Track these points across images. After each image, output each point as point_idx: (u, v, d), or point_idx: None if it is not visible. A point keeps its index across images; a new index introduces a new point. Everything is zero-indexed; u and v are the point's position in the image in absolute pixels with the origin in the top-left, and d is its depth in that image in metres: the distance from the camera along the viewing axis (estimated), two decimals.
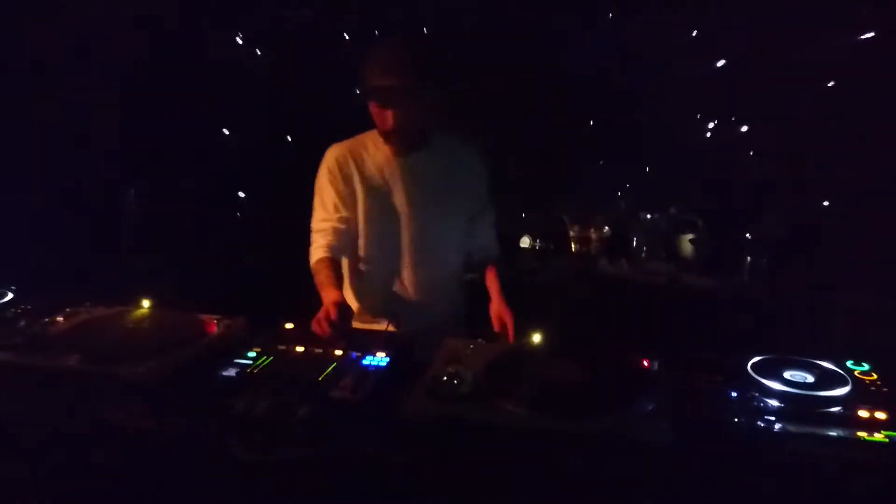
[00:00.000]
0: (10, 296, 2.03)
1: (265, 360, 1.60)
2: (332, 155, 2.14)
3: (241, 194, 3.85)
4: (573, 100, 3.72)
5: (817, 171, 3.25)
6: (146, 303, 1.95)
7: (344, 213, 2.10)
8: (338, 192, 2.11)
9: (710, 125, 3.71)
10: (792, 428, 1.24)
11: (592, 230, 3.58)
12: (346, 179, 2.11)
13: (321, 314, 1.78)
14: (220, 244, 3.54)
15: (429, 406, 1.35)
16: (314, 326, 1.78)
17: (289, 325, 1.82)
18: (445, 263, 2.21)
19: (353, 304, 2.18)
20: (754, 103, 3.44)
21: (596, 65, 3.58)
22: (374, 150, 2.13)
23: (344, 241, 2.12)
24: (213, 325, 1.80)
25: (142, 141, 3.59)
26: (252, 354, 1.63)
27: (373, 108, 1.98)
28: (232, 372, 1.54)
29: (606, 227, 3.60)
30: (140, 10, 3.36)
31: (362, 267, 2.18)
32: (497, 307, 2.06)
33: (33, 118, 3.20)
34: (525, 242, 3.69)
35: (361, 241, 2.15)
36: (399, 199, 2.11)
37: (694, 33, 3.58)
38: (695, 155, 3.64)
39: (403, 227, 2.12)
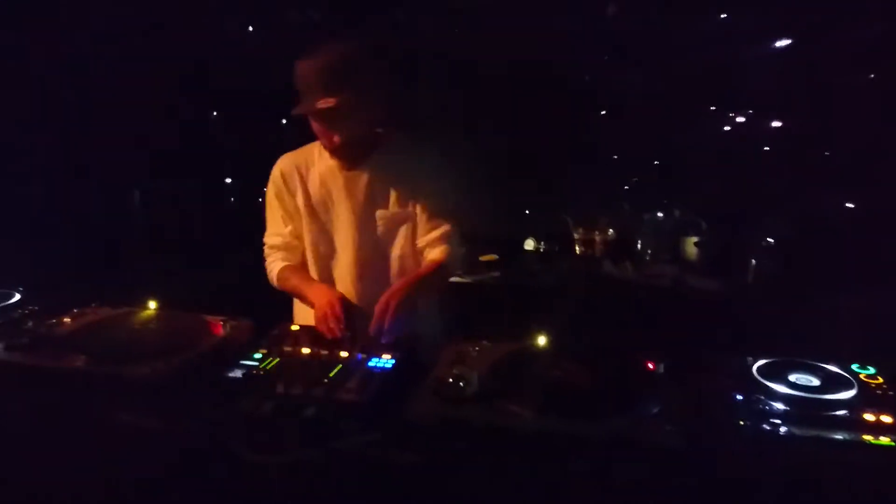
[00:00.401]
0: (17, 296, 2.04)
1: (271, 362, 1.60)
2: (278, 168, 2.10)
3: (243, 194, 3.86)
4: (576, 100, 3.72)
5: (823, 171, 3.24)
6: (152, 304, 1.96)
7: (292, 227, 2.11)
8: (283, 206, 2.10)
9: (715, 126, 3.71)
10: (797, 431, 1.24)
11: (596, 232, 3.58)
12: (291, 193, 2.08)
13: (323, 312, 1.80)
14: (225, 245, 3.54)
15: (434, 408, 1.35)
16: (320, 326, 1.79)
17: (294, 327, 1.83)
18: (392, 279, 2.05)
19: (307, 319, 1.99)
20: (759, 104, 3.43)
21: (598, 65, 3.58)
22: (320, 161, 2.04)
23: (298, 255, 2.13)
24: (220, 327, 1.81)
25: (148, 142, 3.61)
26: (258, 356, 1.63)
27: (312, 122, 1.89)
28: (238, 373, 1.55)
29: (610, 230, 3.60)
30: (146, 11, 3.37)
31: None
32: (394, 289, 1.82)
33: (39, 120, 3.22)
34: (529, 245, 3.69)
35: (308, 255, 2.11)
36: (342, 213, 2.03)
37: (697, 32, 3.58)
38: (699, 156, 3.63)
39: (346, 242, 2.04)
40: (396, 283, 1.90)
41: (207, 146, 3.85)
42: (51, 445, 1.42)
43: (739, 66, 3.37)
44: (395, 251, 2.05)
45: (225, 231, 3.77)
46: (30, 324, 1.82)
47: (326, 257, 2.09)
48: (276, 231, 2.13)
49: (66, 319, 1.86)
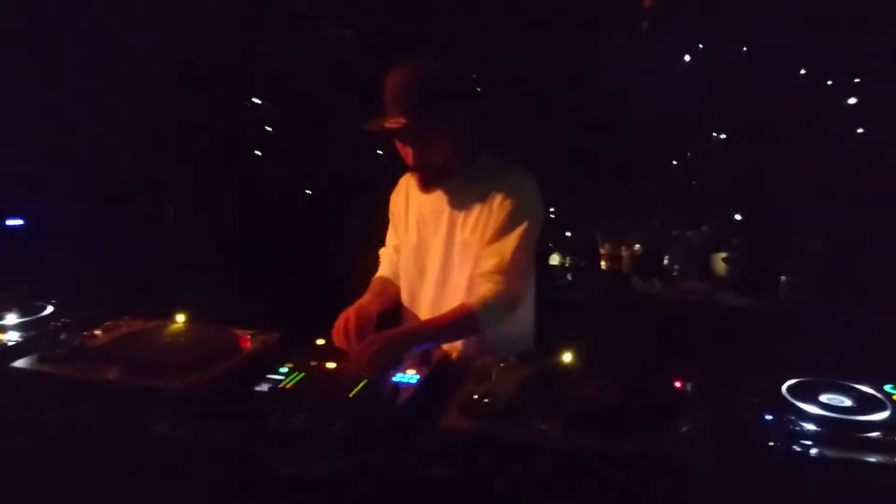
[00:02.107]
0: (50, 309, 2.08)
1: (297, 376, 1.61)
2: (398, 185, 2.17)
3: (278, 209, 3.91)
4: (606, 117, 3.71)
5: (856, 186, 3.19)
6: (182, 317, 1.99)
7: (396, 241, 2.17)
8: (394, 220, 2.17)
9: (744, 142, 3.67)
10: (829, 453, 1.21)
11: (624, 248, 3.56)
12: (399, 210, 2.13)
13: (339, 322, 1.82)
14: (256, 258, 3.59)
15: (462, 424, 1.35)
16: (333, 336, 1.82)
17: (320, 342, 1.84)
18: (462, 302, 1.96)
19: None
20: (791, 119, 3.40)
21: (628, 83, 3.57)
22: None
23: (396, 268, 2.18)
24: (248, 340, 1.83)
25: (181, 155, 3.67)
26: (284, 370, 1.65)
27: (395, 142, 1.89)
28: (265, 387, 1.56)
29: (638, 245, 3.57)
30: (186, 19, 3.43)
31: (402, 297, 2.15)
32: (385, 334, 1.71)
33: (73, 133, 3.28)
34: (555, 259, 3.68)
35: (401, 272, 2.15)
36: (428, 236, 2.02)
37: (728, 52, 3.56)
38: (729, 171, 3.60)
39: (429, 266, 2.02)
40: (405, 325, 1.80)
41: (242, 159, 3.91)
42: (83, 456, 1.45)
43: (771, 83, 3.34)
44: (465, 280, 1.95)
45: (255, 245, 3.81)
46: (63, 336, 1.85)
47: (413, 278, 2.08)
48: (389, 240, 2.23)
49: (99, 332, 1.89)
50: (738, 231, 3.44)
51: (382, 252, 2.26)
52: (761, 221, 3.40)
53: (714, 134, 3.67)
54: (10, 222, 3.26)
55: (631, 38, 3.68)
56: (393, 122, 1.74)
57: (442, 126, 1.81)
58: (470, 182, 1.93)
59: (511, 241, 1.83)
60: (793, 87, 3.32)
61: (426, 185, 1.94)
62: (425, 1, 3.75)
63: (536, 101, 3.70)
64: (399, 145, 1.88)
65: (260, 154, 3.98)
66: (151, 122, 3.52)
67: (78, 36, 3.13)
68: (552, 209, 3.89)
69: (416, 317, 2.08)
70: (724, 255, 3.37)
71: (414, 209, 2.06)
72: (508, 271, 1.82)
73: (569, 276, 3.51)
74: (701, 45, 3.56)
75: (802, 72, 3.28)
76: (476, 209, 1.91)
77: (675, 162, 3.73)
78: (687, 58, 3.57)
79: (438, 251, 1.99)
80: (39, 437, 1.51)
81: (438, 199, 1.98)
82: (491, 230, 1.86)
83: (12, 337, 1.88)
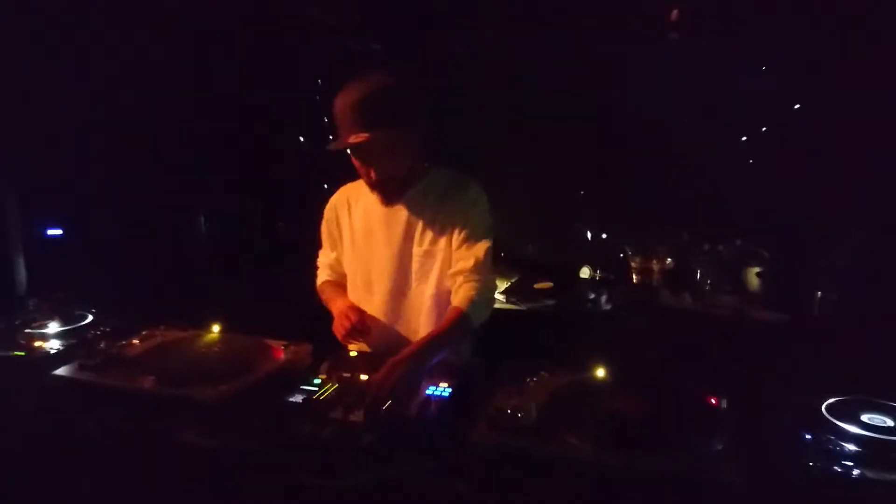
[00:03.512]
0: (90, 318, 2.13)
1: (330, 388, 1.63)
2: (332, 198, 2.19)
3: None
4: (637, 130, 3.69)
5: (890, 200, 3.13)
6: (217, 327, 2.02)
7: (336, 254, 2.21)
8: (330, 234, 2.20)
9: (777, 155, 3.63)
10: (871, 474, 1.19)
11: (654, 261, 3.53)
12: (338, 223, 2.16)
13: (338, 319, 1.95)
14: (287, 269, 3.62)
15: (491, 437, 1.35)
16: (336, 332, 1.94)
17: (353, 353, 1.86)
18: (421, 318, 2.02)
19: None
20: (824, 133, 3.35)
21: (659, 94, 3.56)
22: (366, 195, 2.05)
23: (341, 276, 2.23)
24: (280, 351, 1.85)
25: (216, 166, 3.73)
26: (317, 381, 1.66)
27: (353, 160, 1.89)
28: (298, 398, 1.58)
29: (669, 259, 3.54)
30: (208, 35, 3.49)
31: None
32: (397, 360, 1.63)
33: (104, 144, 3.34)
34: (585, 273, 3.65)
35: (347, 284, 2.18)
36: (380, 248, 2.03)
37: (761, 62, 3.53)
38: (761, 185, 3.56)
39: (381, 276, 2.04)
40: (409, 346, 1.77)
41: (276, 170, 3.96)
42: (116, 463, 1.47)
43: (805, 96, 3.30)
44: (428, 290, 2.00)
45: (287, 255, 3.85)
46: (101, 344, 1.90)
47: (361, 289, 2.11)
48: (325, 253, 2.27)
49: (136, 341, 1.93)
50: (773, 245, 3.38)
51: (322, 262, 2.28)
52: (796, 235, 3.35)
53: (749, 146, 3.63)
54: (50, 232, 3.34)
55: (658, 50, 3.67)
56: (357, 138, 1.76)
57: (404, 138, 1.85)
58: (427, 194, 1.99)
59: (483, 244, 1.94)
60: (828, 95, 3.27)
61: (390, 198, 1.98)
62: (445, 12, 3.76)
63: (567, 111, 3.70)
64: (357, 162, 1.88)
65: (290, 162, 4.03)
66: (186, 131, 3.58)
67: (108, 50, 3.20)
68: (580, 220, 3.89)
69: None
70: (757, 269, 3.32)
71: (361, 222, 2.08)
72: (483, 270, 1.92)
73: (598, 290, 3.48)
74: (730, 56, 3.52)
75: (835, 78, 3.23)
76: (436, 221, 1.97)
77: (706, 173, 3.69)
78: (716, 68, 3.54)
79: (391, 262, 2.01)
80: (77, 442, 1.54)
81: (392, 211, 2.01)
82: (461, 237, 1.94)
83: (54, 345, 1.94)
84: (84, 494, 1.44)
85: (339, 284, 2.23)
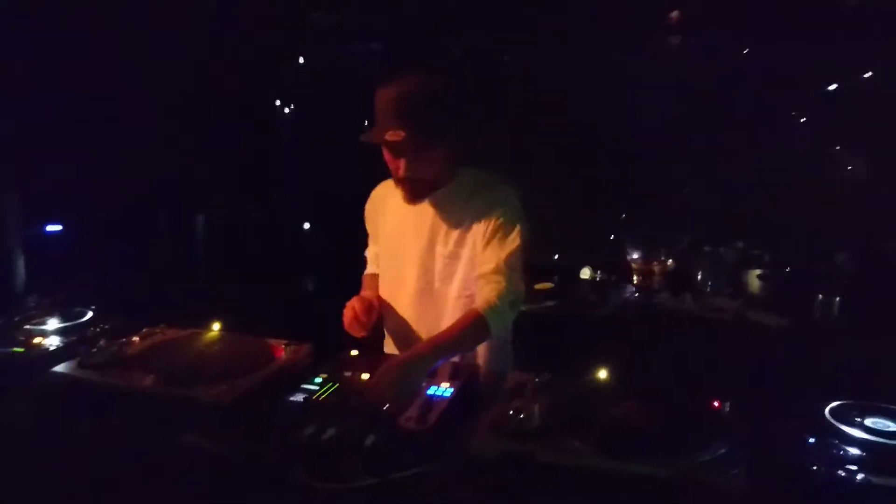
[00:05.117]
0: (89, 314, 2.12)
1: (331, 387, 1.62)
2: (373, 192, 2.19)
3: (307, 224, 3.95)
4: (638, 131, 3.69)
5: (891, 202, 3.13)
6: (217, 326, 2.01)
7: (377, 248, 2.22)
8: (371, 228, 2.21)
9: (777, 157, 3.63)
10: (875, 479, 1.18)
11: (655, 263, 3.52)
12: (375, 218, 2.17)
13: (347, 313, 1.96)
14: (288, 269, 3.62)
15: (493, 441, 1.34)
16: (347, 327, 1.95)
17: (354, 352, 1.85)
18: (446, 320, 1.96)
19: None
20: (824, 135, 3.35)
21: (659, 97, 3.56)
22: (398, 194, 2.02)
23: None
24: (281, 350, 1.84)
25: (216, 167, 3.72)
26: (318, 380, 1.65)
27: (384, 153, 1.89)
28: (299, 398, 1.57)
29: (670, 261, 3.53)
30: (208, 35, 3.48)
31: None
32: (398, 361, 1.66)
33: (109, 145, 3.35)
34: (585, 273, 3.64)
35: (379, 279, 2.18)
36: (408, 246, 2.01)
37: (760, 63, 3.52)
38: (762, 187, 3.55)
39: (409, 275, 2.02)
40: (415, 346, 1.78)
41: (275, 171, 3.96)
42: (116, 462, 1.46)
43: (804, 102, 3.30)
44: (452, 292, 1.97)
45: (288, 255, 3.85)
46: (102, 342, 1.89)
47: (390, 285, 2.11)
48: (370, 246, 2.28)
49: (136, 339, 1.92)
50: (774, 248, 3.38)
51: (368, 254, 2.30)
52: (798, 238, 3.34)
53: (747, 148, 3.63)
54: (49, 228, 3.33)
55: (659, 55, 3.67)
56: (393, 135, 1.75)
57: (439, 141, 1.83)
58: (454, 195, 1.96)
59: (508, 245, 1.86)
60: (827, 102, 3.27)
61: (414, 197, 1.95)
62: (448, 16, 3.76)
63: (568, 117, 3.70)
64: (389, 157, 1.88)
65: (292, 163, 4.03)
66: (186, 131, 3.57)
67: (108, 50, 3.20)
68: (582, 223, 3.89)
69: (396, 324, 2.08)
70: (758, 272, 3.31)
71: (394, 219, 2.08)
72: (507, 271, 1.84)
73: (600, 291, 3.47)
74: (730, 61, 3.53)
75: (835, 85, 3.23)
76: (461, 223, 1.94)
77: (706, 175, 3.69)
78: (717, 73, 3.54)
79: (417, 261, 2.00)
80: (76, 440, 1.54)
81: (421, 210, 1.98)
82: (486, 239, 1.89)
83: (53, 342, 1.93)
84: (83, 492, 1.43)
85: (376, 279, 2.23)
